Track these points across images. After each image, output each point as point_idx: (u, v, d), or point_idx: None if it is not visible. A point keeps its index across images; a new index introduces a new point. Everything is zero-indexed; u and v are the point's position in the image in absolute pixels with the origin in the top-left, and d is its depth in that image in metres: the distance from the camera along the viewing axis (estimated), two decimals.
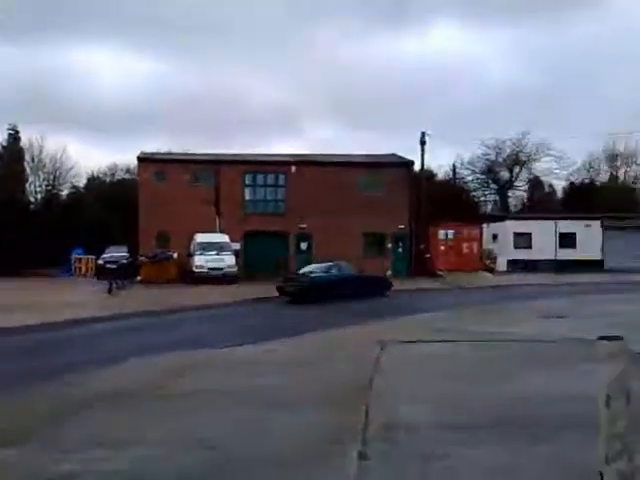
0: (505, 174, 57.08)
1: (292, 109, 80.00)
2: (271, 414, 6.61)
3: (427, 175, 41.45)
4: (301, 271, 25.02)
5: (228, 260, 28.88)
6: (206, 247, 29.04)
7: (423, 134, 37.19)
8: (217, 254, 28.88)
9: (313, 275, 23.82)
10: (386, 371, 8.72)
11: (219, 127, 72.16)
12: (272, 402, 7.11)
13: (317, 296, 21.77)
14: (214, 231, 31.62)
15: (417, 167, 38.12)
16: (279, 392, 7.69)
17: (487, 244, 41.60)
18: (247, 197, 34.65)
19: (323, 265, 25.03)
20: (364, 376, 8.32)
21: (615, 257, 43.26)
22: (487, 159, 55.95)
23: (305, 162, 35.45)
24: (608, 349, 1.70)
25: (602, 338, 1.76)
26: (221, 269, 28.37)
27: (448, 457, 4.96)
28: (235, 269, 29.04)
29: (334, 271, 24.22)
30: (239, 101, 78.73)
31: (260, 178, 34.87)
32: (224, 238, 30.33)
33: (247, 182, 34.67)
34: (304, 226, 33.68)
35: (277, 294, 22.39)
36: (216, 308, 19.90)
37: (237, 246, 31.30)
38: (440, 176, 53.14)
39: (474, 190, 56.85)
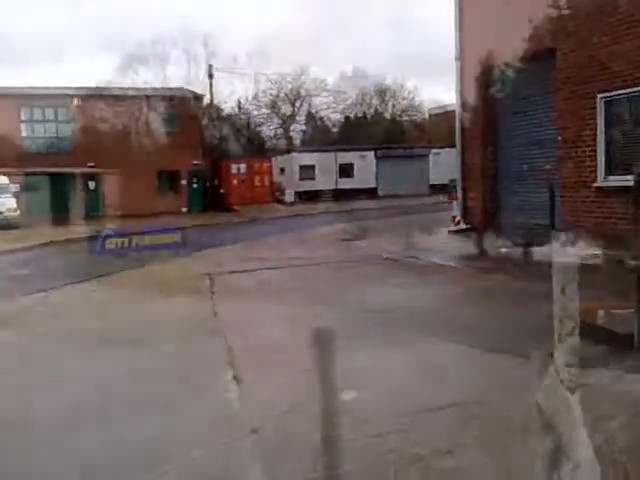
0: (288, 108, 58.61)
1: (57, 40, 73.01)
2: (128, 353, 6.55)
3: (215, 110, 41.17)
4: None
5: (8, 203, 26.61)
6: None
7: (210, 67, 36.67)
8: None
9: None
10: (223, 301, 8.98)
11: None
12: (124, 341, 7.02)
13: None
14: None
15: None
16: (124, 331, 7.58)
17: (275, 177, 42.92)
18: (24, 134, 31.70)
19: None
20: (203, 309, 8.49)
21: (386, 184, 47.41)
22: (271, 94, 56.90)
23: (91, 95, 32.77)
24: (563, 250, 2.14)
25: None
26: (1, 213, 26.15)
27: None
28: (17, 213, 26.87)
29: None
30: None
31: (39, 113, 31.96)
32: (3, 179, 27.70)
33: (24, 117, 31.67)
34: (92, 164, 31.81)
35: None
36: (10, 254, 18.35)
37: (17, 188, 28.80)
38: (226, 111, 53.03)
39: (260, 125, 57.72)
